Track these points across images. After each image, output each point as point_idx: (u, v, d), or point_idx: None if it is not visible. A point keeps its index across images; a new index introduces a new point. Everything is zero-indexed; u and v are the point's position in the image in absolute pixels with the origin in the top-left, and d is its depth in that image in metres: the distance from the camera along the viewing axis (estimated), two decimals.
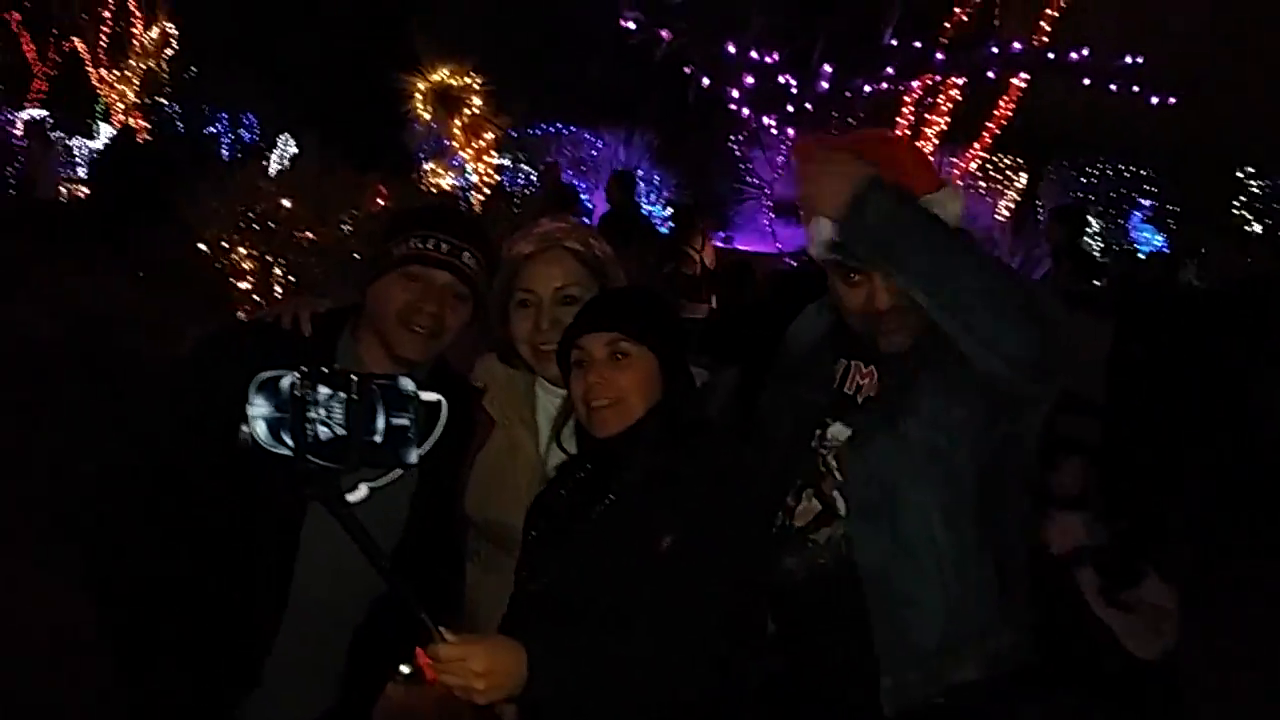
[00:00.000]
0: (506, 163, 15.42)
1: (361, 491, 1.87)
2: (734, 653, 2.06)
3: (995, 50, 10.68)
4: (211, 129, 18.05)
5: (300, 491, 1.82)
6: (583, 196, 15.16)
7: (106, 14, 17.34)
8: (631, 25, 9.08)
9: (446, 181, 12.53)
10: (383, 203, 7.61)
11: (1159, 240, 15.92)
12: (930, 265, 2.06)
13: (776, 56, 9.41)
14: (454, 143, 12.78)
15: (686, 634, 1.97)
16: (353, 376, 1.81)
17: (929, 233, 2.07)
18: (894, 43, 9.90)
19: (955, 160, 13.55)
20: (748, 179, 15.09)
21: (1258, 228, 13.82)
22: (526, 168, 16.28)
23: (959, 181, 13.43)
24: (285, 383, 1.79)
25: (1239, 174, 13.84)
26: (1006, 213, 14.66)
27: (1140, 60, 10.61)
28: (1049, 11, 11.64)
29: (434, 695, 2.15)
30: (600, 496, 2.16)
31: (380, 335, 2.34)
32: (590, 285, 2.42)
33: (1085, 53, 10.67)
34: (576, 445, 2.32)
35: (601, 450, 2.20)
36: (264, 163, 12.88)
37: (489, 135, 12.61)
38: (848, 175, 2.07)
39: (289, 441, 1.78)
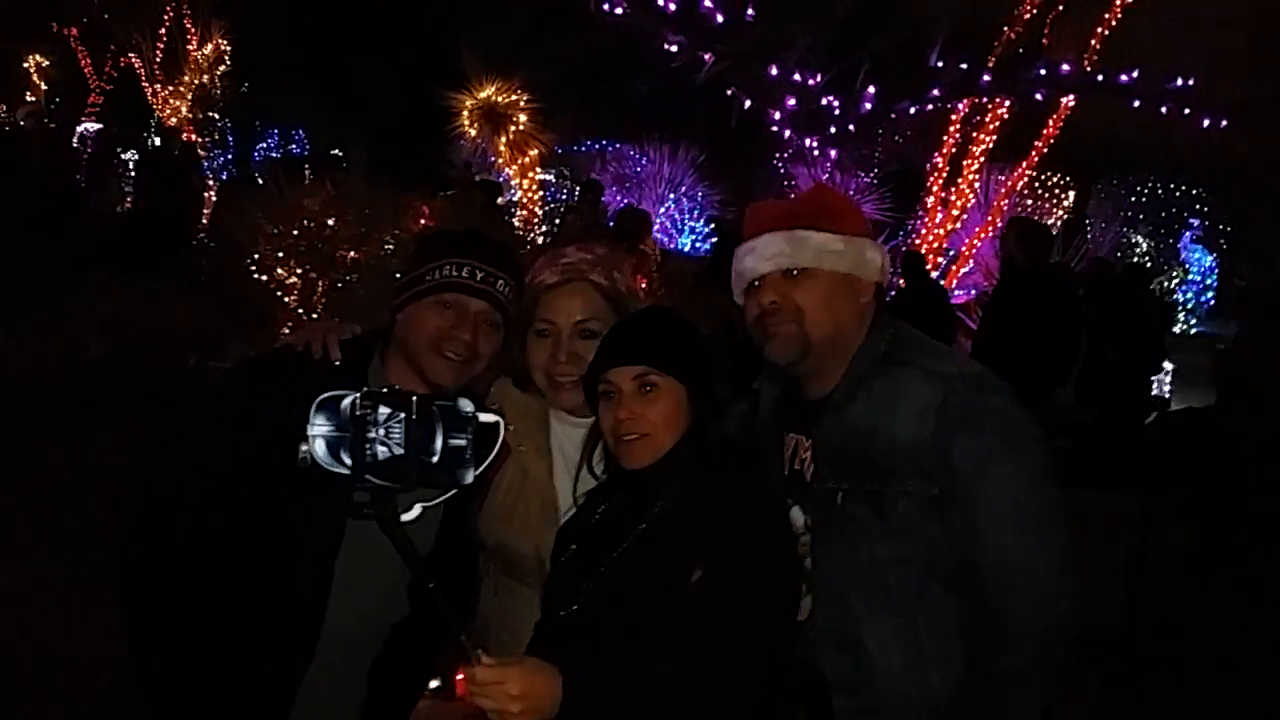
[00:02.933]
0: (551, 178, 15.51)
1: (415, 511, 1.87)
2: (768, 682, 2.05)
3: (1043, 72, 10.55)
4: (262, 144, 18.32)
5: (356, 510, 1.81)
6: None
7: (162, 31, 17.63)
8: (674, 49, 9.08)
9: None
10: (425, 222, 7.69)
11: (1209, 260, 15.68)
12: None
13: (819, 79, 9.37)
14: (500, 159, 12.88)
15: (720, 664, 1.96)
16: (413, 397, 1.81)
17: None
18: (940, 64, 9.80)
19: (1002, 178, 13.44)
20: (792, 194, 15.06)
21: None
22: (571, 182, 16.37)
23: (1005, 201, 13.35)
24: (346, 402, 1.79)
25: None
26: (1055, 231, 14.51)
27: (1191, 82, 10.44)
28: (1099, 31, 11.53)
29: (463, 711, 2.15)
30: (632, 524, 2.15)
31: (412, 360, 2.34)
32: (610, 319, 2.39)
33: (1135, 74, 10.51)
34: (607, 472, 2.32)
35: (633, 479, 2.19)
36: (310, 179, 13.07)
37: (534, 151, 12.71)
38: None
39: (347, 461, 1.78)
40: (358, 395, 1.78)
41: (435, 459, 1.81)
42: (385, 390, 1.81)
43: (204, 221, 11.31)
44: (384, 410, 1.78)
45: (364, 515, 1.81)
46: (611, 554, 2.13)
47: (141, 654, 2.29)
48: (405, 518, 1.83)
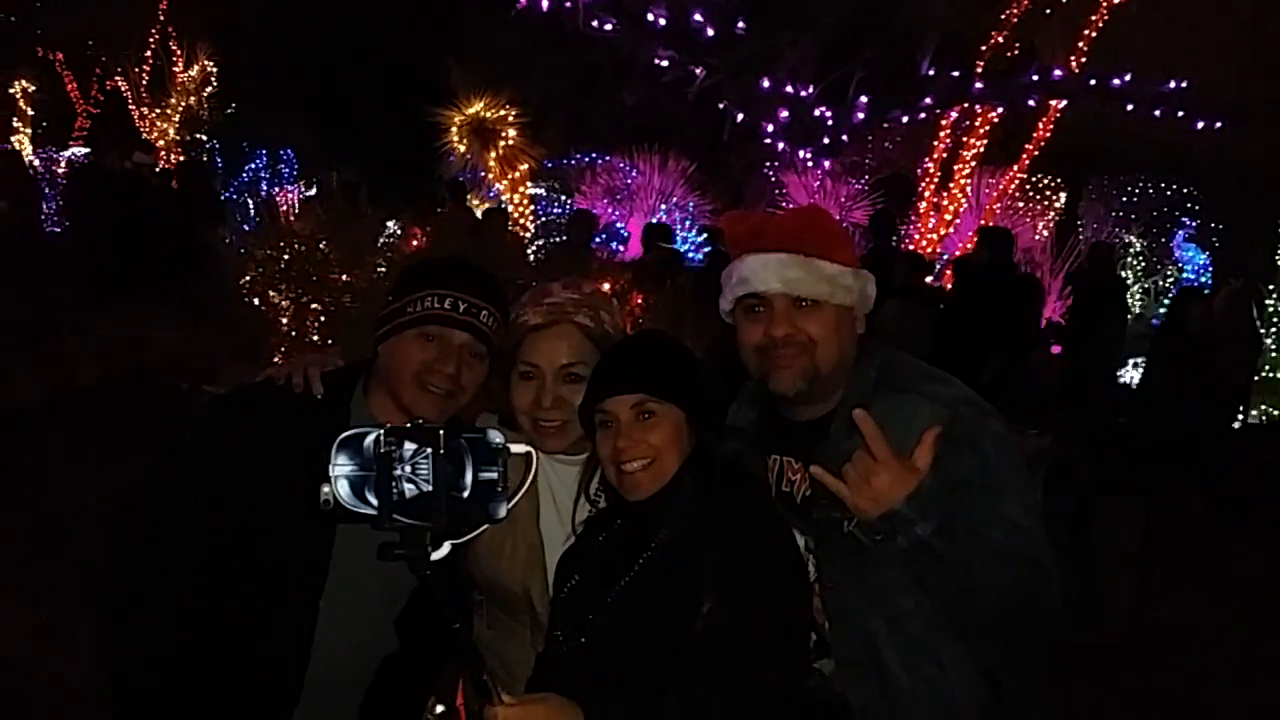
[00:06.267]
0: (542, 192, 15.46)
1: (445, 549, 1.81)
2: (788, 707, 2.02)
3: (1036, 77, 10.54)
4: (251, 165, 18.24)
5: (385, 551, 1.74)
6: (618, 225, 15.19)
7: (148, 53, 17.60)
8: (665, 64, 9.05)
9: (481, 211, 12.62)
10: (417, 244, 7.64)
11: (1203, 259, 15.67)
12: (948, 588, 2.04)
13: (812, 90, 9.34)
14: (489, 174, 12.85)
15: (739, 693, 1.93)
16: (440, 430, 1.73)
17: (945, 561, 2.00)
18: (931, 72, 9.79)
19: (993, 181, 13.44)
20: (782, 204, 15.04)
21: None
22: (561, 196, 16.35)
23: (997, 204, 13.35)
24: (369, 440, 1.72)
25: None
26: (1046, 232, 14.51)
27: (1185, 85, 10.43)
28: (1087, 33, 11.54)
29: None
30: (637, 553, 2.11)
31: (394, 393, 2.30)
32: (596, 362, 2.34)
33: (1128, 78, 10.51)
34: (608, 501, 2.27)
35: (635, 506, 2.15)
36: (304, 197, 13.02)
37: (524, 166, 12.67)
38: (900, 486, 1.95)
39: (373, 500, 1.71)
40: (381, 431, 1.71)
41: (466, 494, 1.75)
42: (410, 425, 1.74)
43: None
44: (410, 446, 1.71)
45: (394, 556, 1.74)
46: (617, 584, 2.09)
47: (123, 696, 2.25)
48: (435, 556, 1.76)
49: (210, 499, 2.21)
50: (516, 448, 1.85)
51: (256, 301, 7.03)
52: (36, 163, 16.56)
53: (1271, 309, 12.33)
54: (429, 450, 1.71)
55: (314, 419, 2.20)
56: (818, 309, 2.21)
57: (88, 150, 17.00)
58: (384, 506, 1.70)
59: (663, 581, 2.05)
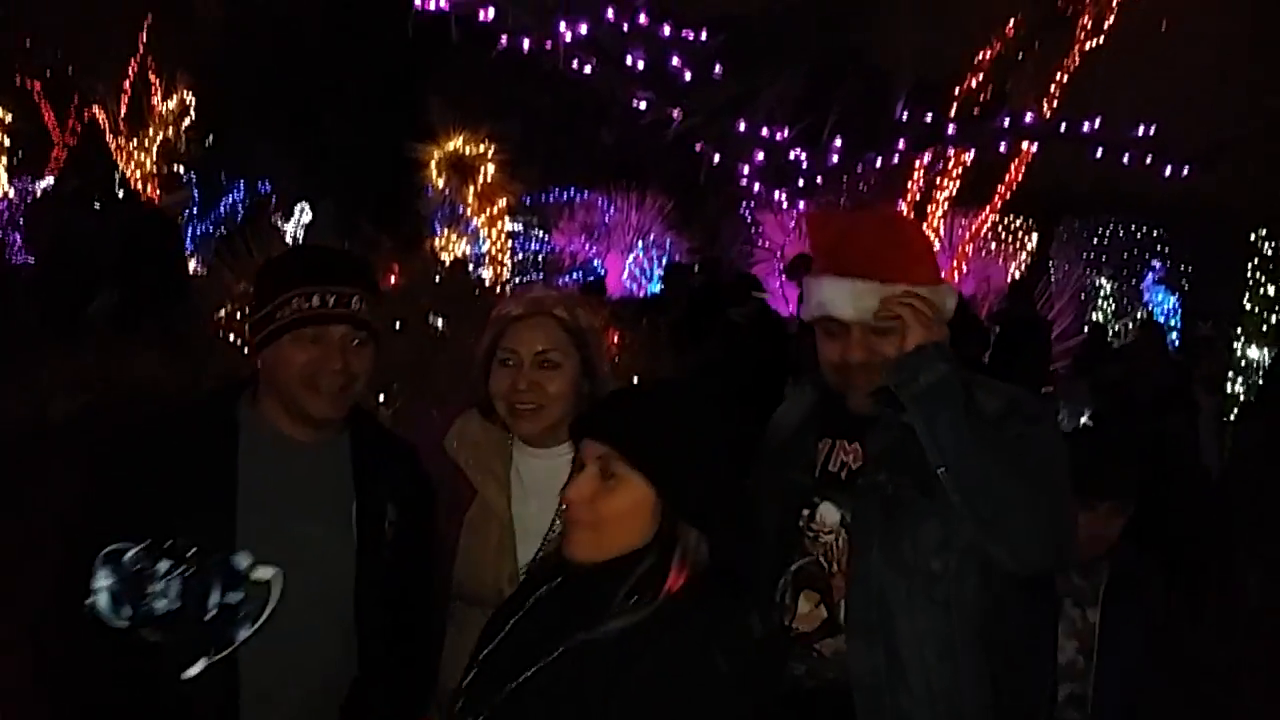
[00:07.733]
0: (519, 228, 15.53)
1: (199, 666, 1.85)
2: None
3: (1007, 121, 10.72)
4: (228, 198, 18.19)
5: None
6: (594, 262, 15.26)
7: (126, 83, 17.54)
8: (643, 105, 9.16)
9: (460, 248, 12.64)
10: (395, 279, 7.63)
11: (1172, 301, 15.90)
12: (957, 453, 2.12)
13: (787, 132, 9.47)
14: (468, 210, 12.88)
15: None
16: (194, 551, 1.82)
17: (970, 423, 2.13)
18: (905, 116, 9.95)
19: (966, 222, 13.59)
20: (759, 242, 15.14)
21: (1271, 289, 13.73)
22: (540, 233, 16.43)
23: (969, 245, 13.50)
24: (129, 555, 1.80)
25: (1253, 236, 13.80)
26: (1018, 274, 14.67)
27: (1154, 130, 10.63)
28: (1060, 77, 11.74)
29: None
30: (555, 640, 1.83)
31: (288, 401, 2.28)
32: (571, 352, 2.54)
33: (1098, 123, 10.70)
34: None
35: (573, 575, 1.92)
36: (280, 230, 13.00)
37: (502, 202, 12.72)
38: (923, 330, 2.19)
39: (127, 613, 1.79)
40: (140, 548, 1.79)
41: (209, 616, 1.82)
42: (167, 544, 1.82)
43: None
44: (164, 564, 1.79)
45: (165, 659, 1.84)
46: (520, 675, 1.85)
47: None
48: (189, 673, 1.84)
49: (113, 530, 2.21)
50: (259, 573, 1.90)
51: (232, 336, 7.01)
52: (12, 193, 16.48)
53: (1239, 352, 12.52)
54: (180, 569, 1.80)
55: (201, 433, 2.26)
56: (894, 331, 2.28)
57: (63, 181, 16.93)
58: (136, 619, 1.79)
59: (564, 696, 1.78)
